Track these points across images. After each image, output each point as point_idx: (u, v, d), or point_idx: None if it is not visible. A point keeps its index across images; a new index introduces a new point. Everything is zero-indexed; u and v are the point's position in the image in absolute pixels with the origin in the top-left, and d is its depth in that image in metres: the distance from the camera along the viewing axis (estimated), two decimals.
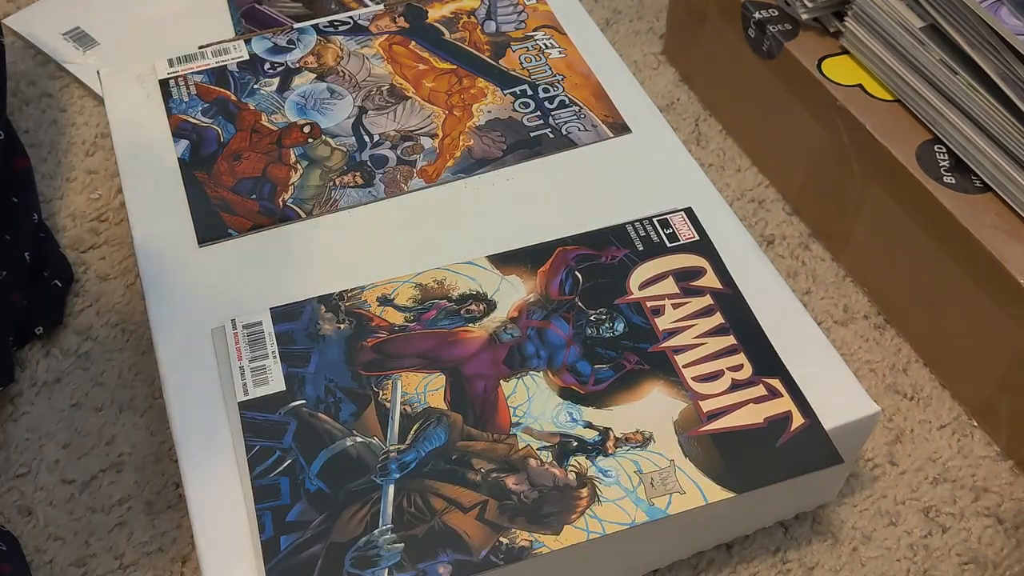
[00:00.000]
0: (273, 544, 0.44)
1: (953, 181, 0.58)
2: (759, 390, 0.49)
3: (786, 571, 0.54)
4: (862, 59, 0.64)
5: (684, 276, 0.53)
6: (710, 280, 0.53)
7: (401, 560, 0.44)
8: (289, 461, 0.47)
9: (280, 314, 0.52)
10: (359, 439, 0.47)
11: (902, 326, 0.65)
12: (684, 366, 0.50)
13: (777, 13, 0.69)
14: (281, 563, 0.44)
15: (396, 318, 0.52)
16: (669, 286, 0.53)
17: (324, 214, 0.57)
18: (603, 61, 0.66)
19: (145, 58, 0.66)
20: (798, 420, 0.48)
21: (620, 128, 0.62)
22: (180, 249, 0.56)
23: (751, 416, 0.48)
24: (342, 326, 0.51)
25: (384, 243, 0.56)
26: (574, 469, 0.46)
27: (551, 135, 0.62)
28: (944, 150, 0.60)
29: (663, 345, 0.51)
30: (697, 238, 0.55)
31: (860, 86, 0.64)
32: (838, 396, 0.50)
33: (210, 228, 0.57)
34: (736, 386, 0.49)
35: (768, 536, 0.55)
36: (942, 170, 0.59)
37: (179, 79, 0.65)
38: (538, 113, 0.63)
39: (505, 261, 0.54)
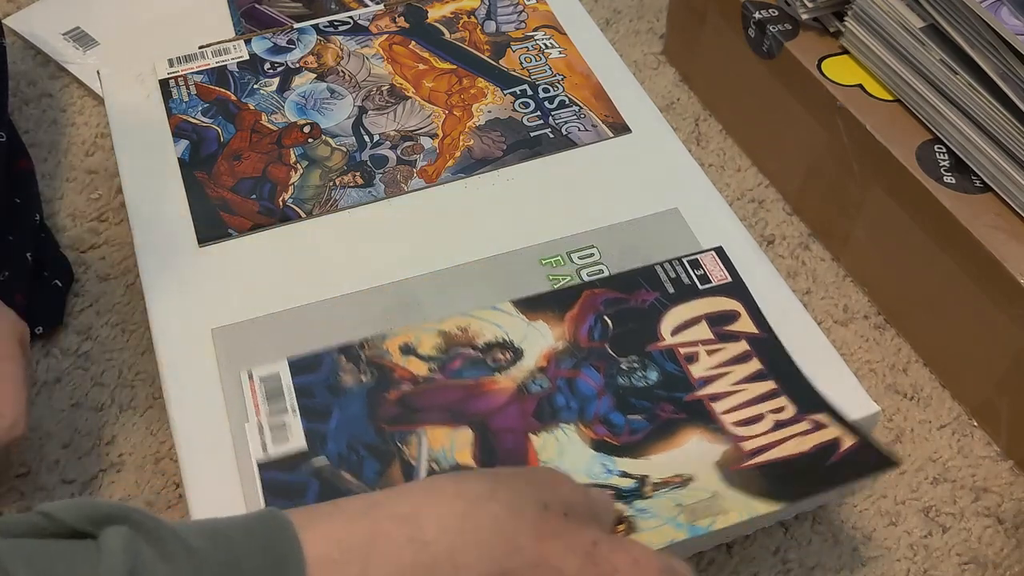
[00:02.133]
0: None
1: (953, 181, 0.58)
2: (804, 426, 0.47)
3: (786, 571, 0.54)
4: (862, 59, 0.64)
5: (718, 320, 0.51)
6: (745, 324, 0.51)
7: None
8: None
9: (298, 365, 0.50)
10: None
11: (902, 326, 0.65)
12: (723, 413, 0.48)
13: (777, 13, 0.69)
14: None
15: (420, 368, 0.49)
16: (702, 331, 0.51)
17: (324, 214, 0.57)
18: (603, 61, 0.66)
19: (145, 58, 0.66)
20: (848, 442, 0.46)
21: (620, 128, 0.62)
22: (180, 249, 0.56)
23: (797, 447, 0.46)
24: (364, 378, 0.49)
25: (384, 243, 0.56)
26: None
27: (551, 135, 0.62)
28: (944, 150, 0.60)
29: (699, 394, 0.48)
30: (729, 279, 0.53)
31: (860, 86, 0.64)
32: (838, 396, 0.50)
33: (210, 228, 0.57)
34: (779, 425, 0.47)
35: (768, 536, 0.55)
36: (942, 170, 0.59)
37: (179, 79, 0.65)
38: (538, 113, 0.63)
39: (531, 306, 0.52)
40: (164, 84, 0.65)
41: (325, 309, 0.53)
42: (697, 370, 0.49)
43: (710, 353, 0.50)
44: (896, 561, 0.55)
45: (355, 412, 0.48)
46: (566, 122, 0.62)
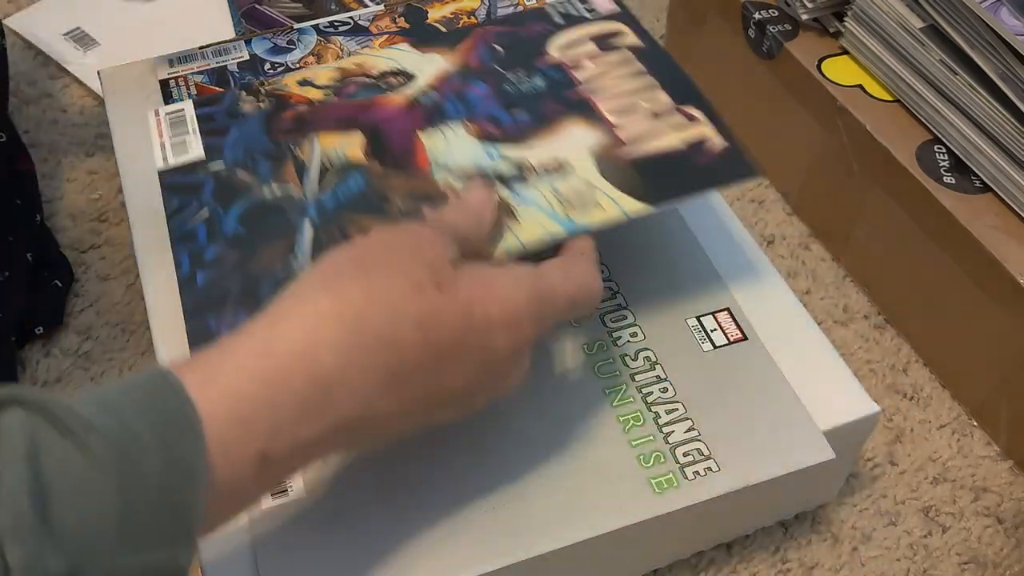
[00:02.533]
0: (190, 280, 0.46)
1: (953, 181, 0.58)
2: (677, 119, 0.50)
3: (786, 571, 0.54)
4: (862, 59, 0.64)
5: (603, 38, 0.55)
6: (630, 39, 0.55)
7: None
8: (206, 211, 0.48)
9: (201, 101, 0.55)
10: (277, 189, 0.49)
11: (902, 326, 0.65)
12: (602, 104, 0.51)
13: (777, 13, 0.69)
14: (199, 294, 0.46)
15: (316, 95, 0.53)
16: (588, 47, 0.54)
17: None
18: None
19: (145, 58, 0.66)
20: (718, 144, 0.49)
21: None
22: None
23: (670, 141, 0.49)
24: (262, 105, 0.53)
25: None
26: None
27: None
28: (944, 150, 0.60)
29: (581, 91, 0.52)
30: (619, 10, 0.57)
31: (860, 86, 0.64)
32: (838, 396, 0.50)
33: None
34: (655, 116, 0.50)
35: (768, 536, 0.55)
36: (942, 170, 0.59)
37: (179, 79, 0.65)
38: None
39: (425, 42, 0.56)
40: (164, 84, 0.65)
41: None
42: (581, 75, 0.53)
43: (594, 60, 0.53)
44: (896, 561, 0.55)
45: (252, 129, 0.52)
46: None
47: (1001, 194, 0.57)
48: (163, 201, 0.50)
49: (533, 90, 0.52)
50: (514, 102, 0.51)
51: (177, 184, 0.51)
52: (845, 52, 0.66)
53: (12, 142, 0.67)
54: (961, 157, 0.59)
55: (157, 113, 0.54)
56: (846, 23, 0.64)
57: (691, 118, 0.50)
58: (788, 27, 0.68)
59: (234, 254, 0.47)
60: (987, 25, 0.54)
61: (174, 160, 0.52)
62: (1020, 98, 0.54)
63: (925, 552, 0.55)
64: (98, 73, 0.66)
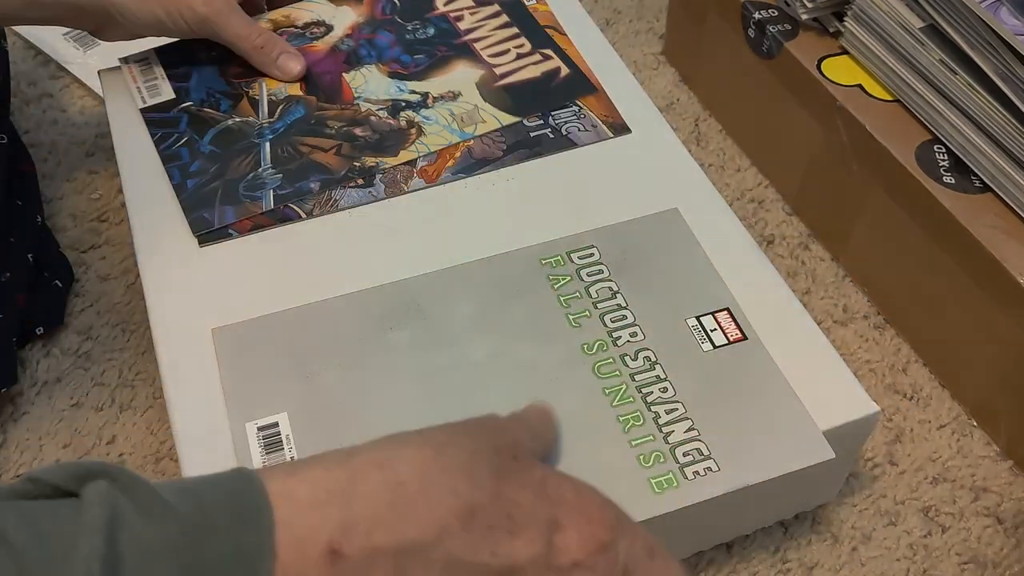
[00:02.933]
0: (182, 186, 0.58)
1: (953, 181, 0.58)
2: (536, 57, 0.65)
3: (786, 571, 0.54)
4: (862, 59, 0.64)
5: None
6: None
7: (282, 183, 0.58)
8: (186, 138, 0.60)
9: (164, 51, 0.65)
10: (239, 119, 0.61)
11: (902, 326, 0.65)
12: (481, 49, 0.65)
13: (777, 13, 0.69)
14: (191, 195, 0.57)
15: None
16: (466, 1, 0.69)
17: (324, 214, 0.57)
18: (603, 61, 0.66)
19: None
20: (565, 71, 0.65)
21: (620, 128, 0.62)
22: (180, 249, 0.56)
23: (531, 72, 0.65)
24: (214, 53, 0.64)
25: (384, 243, 0.56)
26: (405, 118, 0.61)
27: (551, 135, 0.62)
28: (944, 150, 0.60)
29: (464, 39, 0.66)
30: None
31: (860, 86, 0.64)
32: (838, 396, 0.50)
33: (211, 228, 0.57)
34: (520, 57, 0.65)
35: (768, 536, 0.55)
36: (942, 170, 0.59)
37: None
38: (538, 113, 0.63)
39: None
40: None
41: (325, 309, 0.53)
42: (463, 25, 0.67)
43: (472, 14, 0.68)
44: (896, 561, 0.55)
45: (209, 73, 0.64)
46: (566, 122, 0.62)
47: (1001, 194, 0.57)
48: (148, 132, 0.61)
49: (427, 37, 0.66)
50: (414, 48, 0.66)
51: (157, 119, 0.62)
52: (845, 52, 0.66)
53: (13, 144, 0.67)
54: (961, 157, 0.59)
55: (127, 62, 0.65)
56: (846, 23, 0.64)
57: (546, 56, 0.66)
58: (788, 27, 0.68)
59: (213, 166, 0.59)
60: (987, 25, 0.54)
61: (150, 100, 0.62)
62: (1020, 98, 0.54)
63: (925, 552, 0.55)
64: (98, 73, 0.66)
